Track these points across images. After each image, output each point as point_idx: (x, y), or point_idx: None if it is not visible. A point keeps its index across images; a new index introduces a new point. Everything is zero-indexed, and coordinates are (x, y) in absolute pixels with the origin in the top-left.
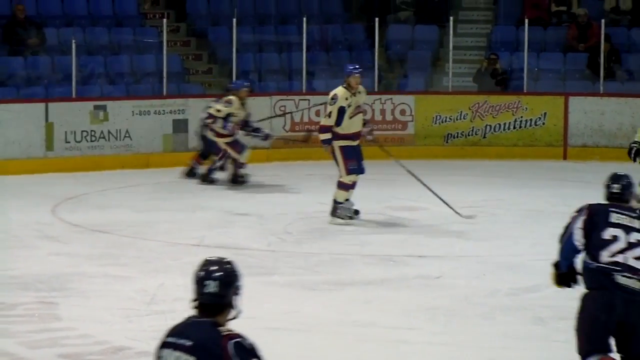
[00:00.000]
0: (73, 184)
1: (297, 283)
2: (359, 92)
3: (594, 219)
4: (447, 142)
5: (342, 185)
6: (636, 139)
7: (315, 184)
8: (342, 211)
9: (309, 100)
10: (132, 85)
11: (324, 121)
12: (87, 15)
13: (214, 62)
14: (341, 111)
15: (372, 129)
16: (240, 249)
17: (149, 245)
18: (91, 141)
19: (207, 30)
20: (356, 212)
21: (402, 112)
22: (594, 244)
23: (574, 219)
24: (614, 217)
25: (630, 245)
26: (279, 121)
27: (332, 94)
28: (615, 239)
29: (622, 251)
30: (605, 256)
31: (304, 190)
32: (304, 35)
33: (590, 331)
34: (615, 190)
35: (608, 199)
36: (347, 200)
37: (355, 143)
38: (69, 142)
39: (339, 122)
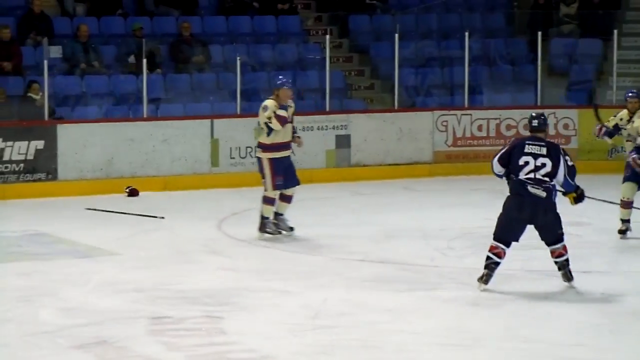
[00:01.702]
0: (238, 199)
1: (461, 298)
2: (289, 106)
3: (514, 151)
4: (610, 156)
5: (267, 200)
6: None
7: (479, 199)
8: (269, 226)
9: (471, 115)
10: (296, 101)
11: (274, 125)
12: (251, 32)
13: (376, 77)
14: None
15: (299, 138)
16: (403, 264)
17: (313, 260)
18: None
19: (370, 46)
20: (291, 228)
21: (566, 126)
22: (514, 167)
23: (497, 153)
24: (528, 148)
25: (537, 167)
26: (441, 136)
27: (262, 104)
28: (527, 163)
29: (532, 171)
30: (521, 175)
31: (468, 205)
32: (466, 49)
33: (504, 223)
34: (534, 124)
35: (530, 131)
36: (280, 215)
37: (285, 154)
38: (233, 158)
39: (269, 132)
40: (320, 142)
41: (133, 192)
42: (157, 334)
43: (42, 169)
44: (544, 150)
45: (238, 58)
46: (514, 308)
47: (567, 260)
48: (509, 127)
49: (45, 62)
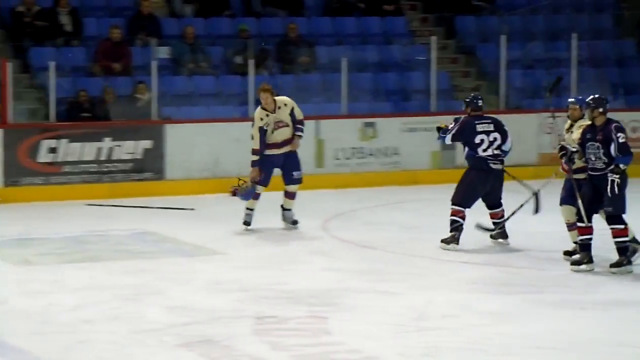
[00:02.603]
0: (343, 200)
1: (566, 302)
2: (279, 108)
3: (465, 131)
4: None
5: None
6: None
7: None
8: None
9: None
10: (401, 102)
11: (253, 144)
12: (357, 33)
13: (482, 79)
14: (261, 132)
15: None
16: (508, 267)
17: (417, 262)
18: (360, 158)
19: (476, 47)
20: (294, 222)
21: None
22: (471, 146)
23: (450, 128)
24: (479, 127)
25: (491, 143)
26: (547, 138)
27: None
28: (482, 141)
29: (488, 147)
30: (480, 152)
31: None
32: (574, 51)
33: (468, 192)
34: (479, 104)
35: (474, 110)
36: (287, 210)
37: (280, 151)
38: (338, 159)
39: (262, 141)
40: (425, 144)
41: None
42: (261, 334)
43: (149, 169)
44: (491, 127)
45: (344, 59)
46: (620, 313)
47: (504, 221)
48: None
49: (154, 62)
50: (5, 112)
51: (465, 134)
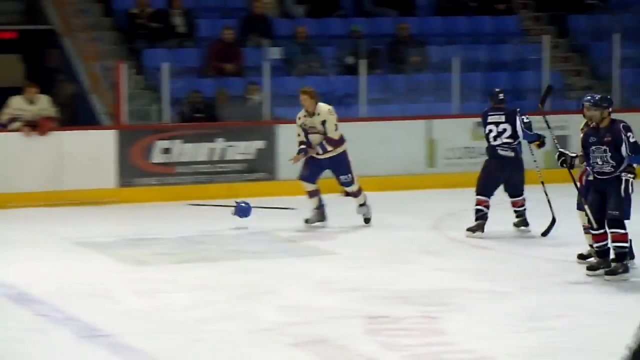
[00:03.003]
0: (455, 200)
1: None
2: (317, 114)
3: (482, 123)
4: None
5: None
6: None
7: None
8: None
9: None
10: (512, 101)
11: None
12: (468, 33)
13: (594, 77)
14: (303, 130)
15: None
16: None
17: (528, 262)
18: (472, 157)
19: (589, 46)
20: (305, 220)
21: None
22: (485, 136)
23: None
24: (490, 118)
25: (500, 133)
26: None
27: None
28: (491, 131)
29: (497, 137)
30: (491, 141)
31: None
32: None
33: (486, 181)
34: (500, 97)
35: (495, 103)
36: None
37: (321, 155)
38: (450, 159)
39: (306, 137)
40: None
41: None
42: (374, 334)
43: (262, 169)
44: (502, 118)
45: (455, 58)
46: None
47: (525, 209)
48: None
49: (266, 63)
50: (120, 113)
51: (483, 126)
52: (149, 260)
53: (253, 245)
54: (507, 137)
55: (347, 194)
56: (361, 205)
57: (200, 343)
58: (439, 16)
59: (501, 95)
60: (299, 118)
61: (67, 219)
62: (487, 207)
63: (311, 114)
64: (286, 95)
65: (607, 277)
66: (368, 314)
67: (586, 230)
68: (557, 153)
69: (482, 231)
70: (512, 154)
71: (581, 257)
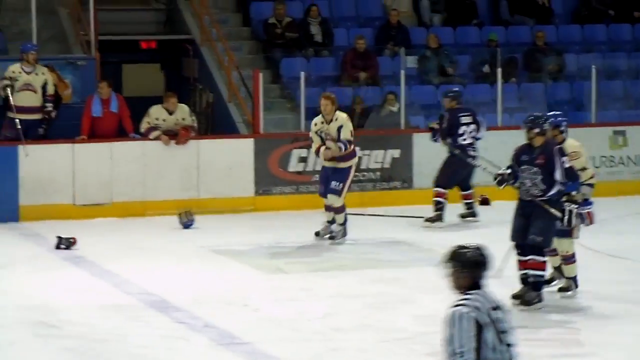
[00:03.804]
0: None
1: None
2: (335, 120)
3: (453, 125)
4: None
5: None
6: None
7: None
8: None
9: None
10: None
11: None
12: (607, 41)
13: None
14: (319, 137)
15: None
16: None
17: None
18: (610, 166)
19: None
20: (316, 233)
21: None
22: (455, 136)
23: (440, 128)
24: (462, 119)
25: (469, 133)
26: None
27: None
28: (464, 132)
29: (467, 137)
30: (461, 141)
31: None
32: None
33: (451, 175)
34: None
35: (458, 103)
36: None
37: (328, 164)
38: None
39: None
40: None
41: (485, 201)
42: None
43: (397, 177)
44: (470, 119)
45: (593, 67)
46: None
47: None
48: None
49: (402, 72)
50: (257, 122)
51: (453, 128)
52: (285, 269)
53: (389, 253)
54: (473, 137)
55: (323, 234)
56: (340, 224)
57: (337, 352)
58: (577, 24)
59: (461, 96)
60: (315, 124)
61: (204, 227)
62: (446, 198)
63: (329, 120)
64: (422, 104)
65: (522, 307)
66: None
67: (570, 260)
68: (494, 175)
69: (442, 221)
70: (474, 153)
71: (563, 289)
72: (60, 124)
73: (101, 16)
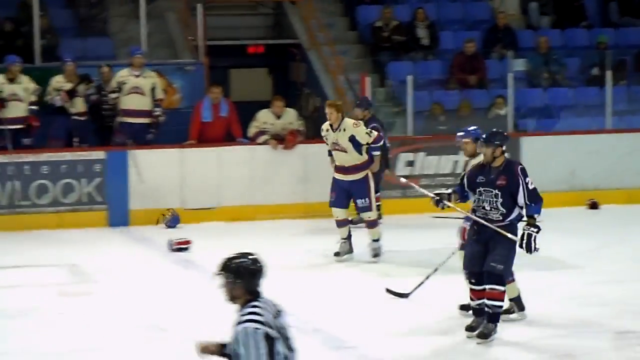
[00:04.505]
0: None
1: None
2: (342, 130)
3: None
4: None
5: None
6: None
7: None
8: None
9: None
10: None
11: None
12: None
13: None
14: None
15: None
16: None
17: None
18: None
19: None
20: (336, 253)
21: None
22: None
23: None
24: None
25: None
26: None
27: None
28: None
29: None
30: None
31: None
32: None
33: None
34: None
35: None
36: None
37: (339, 177)
38: None
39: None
40: None
41: (594, 205)
42: (622, 349)
43: None
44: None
45: None
46: None
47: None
48: None
49: (510, 75)
50: None
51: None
52: (393, 273)
53: None
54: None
55: (357, 222)
56: (375, 240)
57: (443, 356)
58: None
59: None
60: (322, 130)
61: (313, 232)
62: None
63: (335, 129)
64: (530, 107)
65: (479, 340)
66: (616, 328)
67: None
68: (432, 196)
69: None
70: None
71: (464, 307)
72: (168, 128)
73: (209, 21)
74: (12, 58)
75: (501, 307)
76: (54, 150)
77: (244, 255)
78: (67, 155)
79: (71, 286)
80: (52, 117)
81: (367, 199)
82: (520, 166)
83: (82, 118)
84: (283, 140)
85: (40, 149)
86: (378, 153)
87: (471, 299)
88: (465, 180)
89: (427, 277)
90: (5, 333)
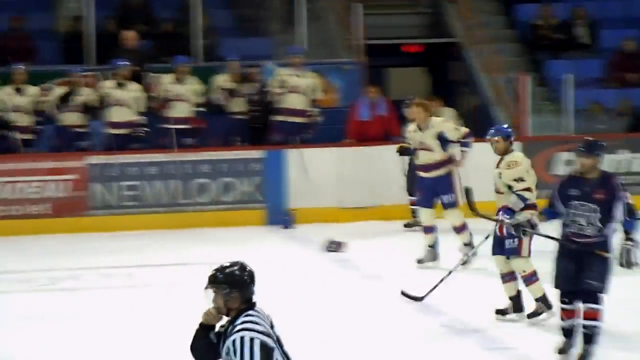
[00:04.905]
0: None
1: None
2: (430, 127)
3: None
4: None
5: None
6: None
7: None
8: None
9: None
10: None
11: None
12: None
13: None
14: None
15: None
16: None
17: None
18: None
19: None
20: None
21: None
22: None
23: None
24: None
25: None
26: None
27: None
28: None
29: None
30: None
31: None
32: None
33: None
34: None
35: None
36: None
37: (425, 175)
38: None
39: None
40: None
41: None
42: None
43: None
44: None
45: None
46: None
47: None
48: None
49: None
50: (523, 125)
51: None
52: None
53: None
54: None
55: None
56: (466, 244)
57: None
58: None
59: None
60: (408, 131)
61: (473, 231)
62: None
63: (423, 128)
64: None
65: None
66: None
67: (506, 278)
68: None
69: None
70: None
71: (500, 312)
72: (326, 127)
73: (367, 20)
74: (181, 59)
75: (599, 326)
76: (214, 149)
77: (234, 264)
78: (227, 154)
79: None
80: (212, 116)
81: (452, 195)
82: (618, 178)
83: (242, 117)
84: None
85: (201, 147)
86: (468, 149)
87: (562, 319)
88: (557, 198)
89: (442, 280)
90: (168, 330)
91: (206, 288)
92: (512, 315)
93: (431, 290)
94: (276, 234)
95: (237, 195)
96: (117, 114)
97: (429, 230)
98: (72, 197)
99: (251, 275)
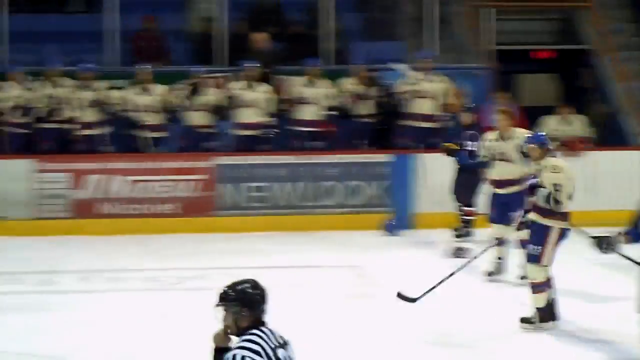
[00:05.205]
0: None
1: None
2: (511, 138)
3: None
4: None
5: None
6: None
7: None
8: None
9: None
10: None
11: None
12: None
13: None
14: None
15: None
16: None
17: None
18: None
19: None
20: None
21: None
22: None
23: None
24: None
25: None
26: None
27: None
28: None
29: None
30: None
31: None
32: None
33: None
34: None
35: None
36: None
37: (500, 191)
38: None
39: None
40: None
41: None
42: None
43: None
44: None
45: None
46: None
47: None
48: None
49: None
50: None
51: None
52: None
53: None
54: None
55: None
56: (500, 258)
57: None
58: None
59: None
60: (486, 139)
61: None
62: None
63: (505, 138)
64: None
65: None
66: None
67: (536, 287)
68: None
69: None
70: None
71: (525, 321)
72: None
73: (497, 26)
74: (312, 61)
75: None
76: (342, 152)
77: (245, 281)
78: (355, 158)
79: (356, 288)
80: (340, 120)
81: (516, 213)
82: None
83: (370, 120)
84: (570, 146)
85: (329, 150)
86: None
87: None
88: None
89: (441, 282)
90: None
91: (216, 306)
92: (549, 324)
93: (427, 292)
94: (402, 239)
95: (363, 198)
96: (246, 115)
97: (501, 242)
98: (200, 197)
99: (263, 293)
